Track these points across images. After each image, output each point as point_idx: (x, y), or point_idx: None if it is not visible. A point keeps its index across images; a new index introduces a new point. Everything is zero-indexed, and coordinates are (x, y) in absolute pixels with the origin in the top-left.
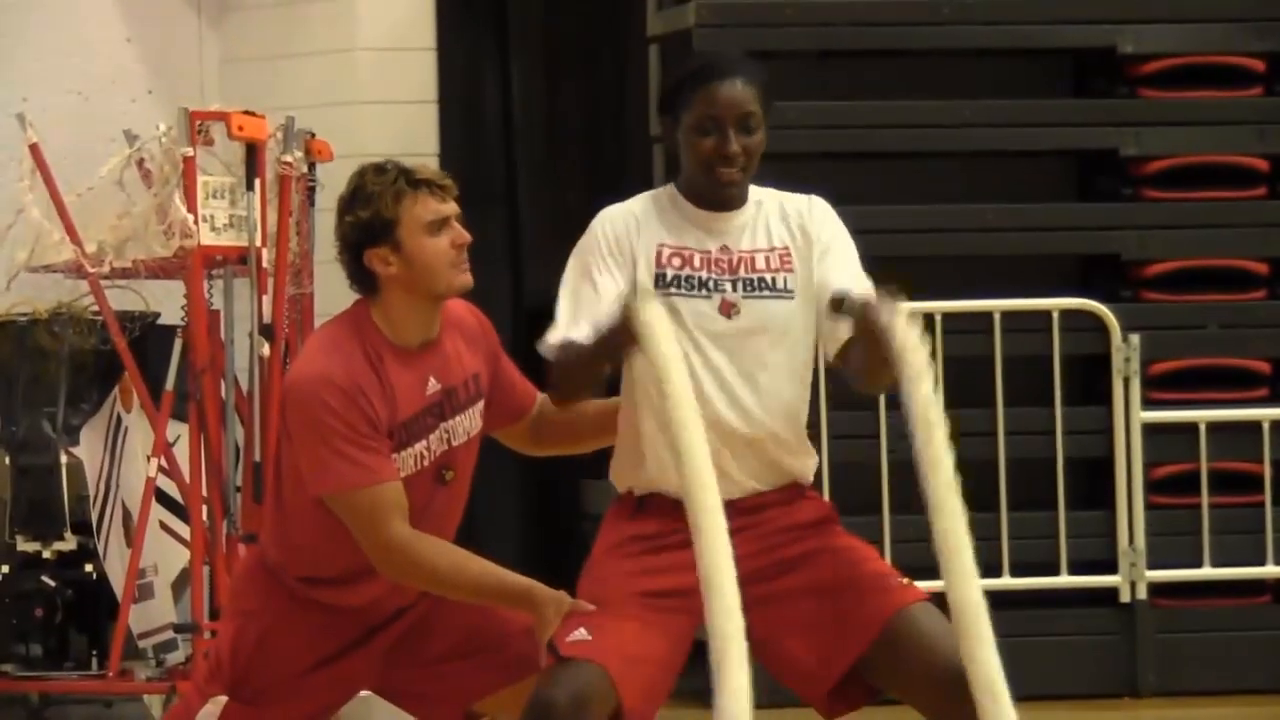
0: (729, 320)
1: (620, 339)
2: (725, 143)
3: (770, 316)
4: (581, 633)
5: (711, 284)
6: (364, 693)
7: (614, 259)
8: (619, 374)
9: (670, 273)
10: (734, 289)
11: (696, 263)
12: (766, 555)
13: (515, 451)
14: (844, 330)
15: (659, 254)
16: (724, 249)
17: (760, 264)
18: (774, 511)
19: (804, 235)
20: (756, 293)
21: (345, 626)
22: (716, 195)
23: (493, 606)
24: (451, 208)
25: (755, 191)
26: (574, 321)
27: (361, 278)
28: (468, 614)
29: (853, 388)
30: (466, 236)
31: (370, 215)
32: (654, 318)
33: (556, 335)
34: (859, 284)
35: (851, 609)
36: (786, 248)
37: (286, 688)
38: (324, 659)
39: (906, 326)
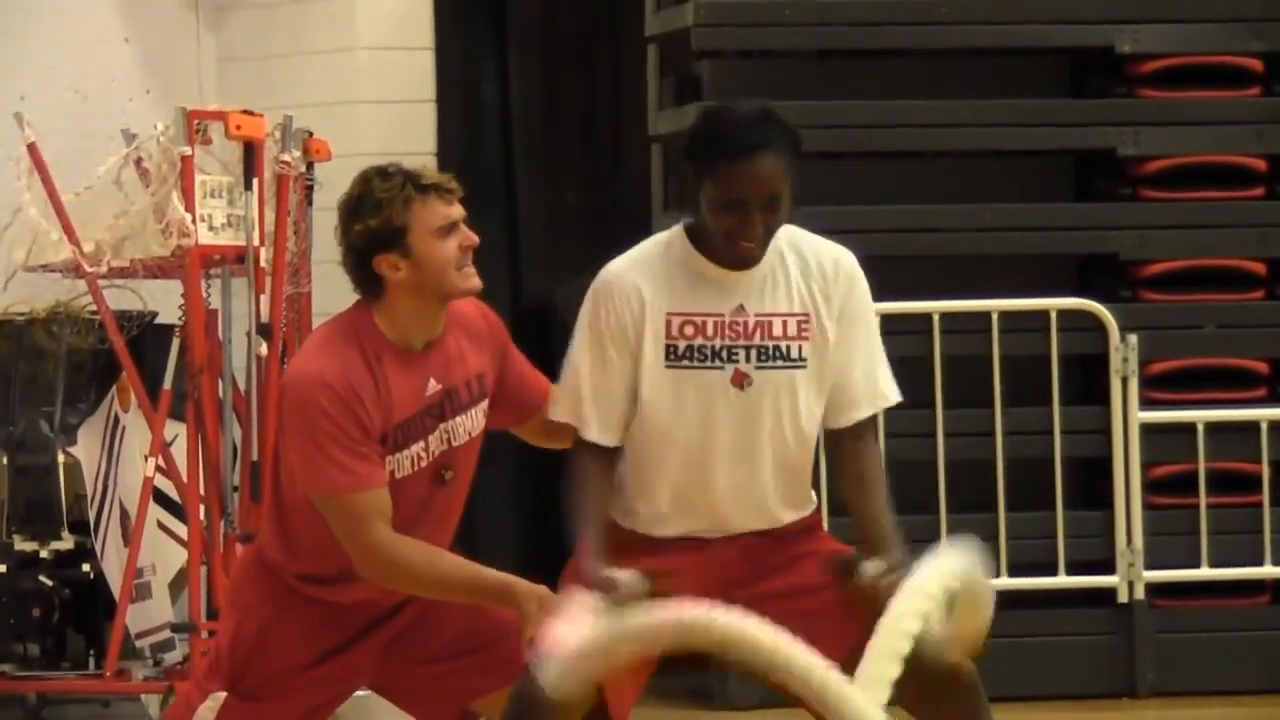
0: (742, 391)
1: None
2: (748, 225)
3: (783, 386)
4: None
5: (725, 354)
6: (362, 691)
7: (619, 341)
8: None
9: (682, 345)
10: (748, 358)
11: (710, 330)
12: (753, 560)
13: (513, 449)
14: (847, 419)
15: (668, 325)
16: (739, 309)
17: (777, 330)
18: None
19: (828, 301)
20: (771, 363)
21: (344, 621)
22: (733, 262)
23: (484, 606)
24: (458, 210)
25: (779, 234)
26: (589, 404)
27: (367, 282)
28: (465, 613)
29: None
30: (474, 239)
31: (380, 223)
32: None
33: (565, 414)
34: (875, 372)
35: (836, 608)
36: (806, 314)
37: (286, 682)
38: (323, 654)
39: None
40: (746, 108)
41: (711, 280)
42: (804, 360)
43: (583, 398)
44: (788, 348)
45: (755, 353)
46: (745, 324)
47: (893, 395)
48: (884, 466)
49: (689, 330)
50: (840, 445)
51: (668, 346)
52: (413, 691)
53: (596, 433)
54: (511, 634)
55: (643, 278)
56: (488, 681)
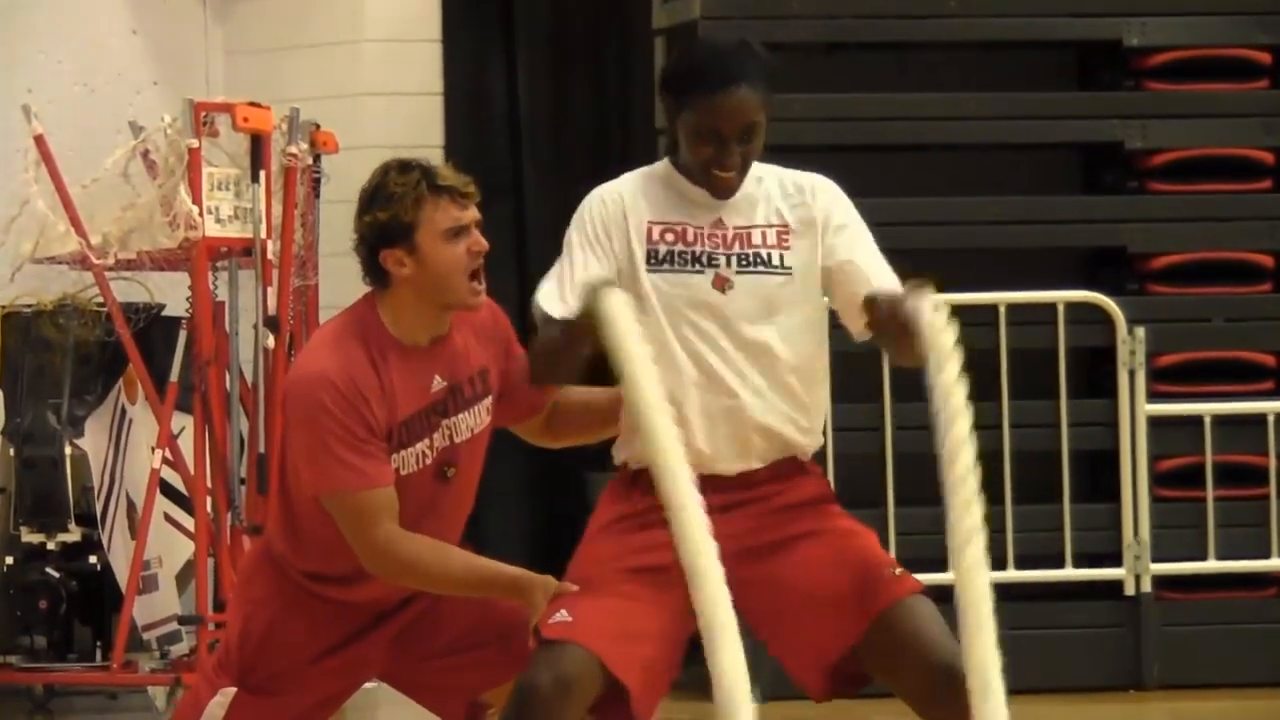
0: (723, 295)
1: (584, 329)
2: (725, 155)
3: (765, 293)
4: (563, 614)
5: (705, 258)
6: (370, 683)
7: (599, 242)
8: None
9: (663, 249)
10: (728, 264)
11: (690, 236)
12: (761, 534)
13: (520, 446)
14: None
15: (649, 231)
16: (718, 223)
17: (756, 239)
18: (770, 488)
19: (806, 213)
20: (751, 268)
21: (353, 615)
22: (710, 191)
23: (493, 599)
24: (472, 214)
25: (756, 167)
26: (558, 300)
27: (375, 273)
28: (473, 606)
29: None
30: (484, 244)
31: (390, 217)
32: (616, 308)
33: (539, 311)
34: (877, 264)
35: (845, 596)
36: (785, 225)
37: (295, 676)
38: (332, 647)
39: (934, 313)
40: (723, 40)
41: (691, 198)
42: (788, 268)
43: (562, 287)
44: (768, 255)
45: (735, 259)
46: (724, 235)
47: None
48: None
49: (669, 237)
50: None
51: (649, 250)
52: (422, 684)
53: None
54: (520, 627)
55: (626, 190)
56: (496, 675)
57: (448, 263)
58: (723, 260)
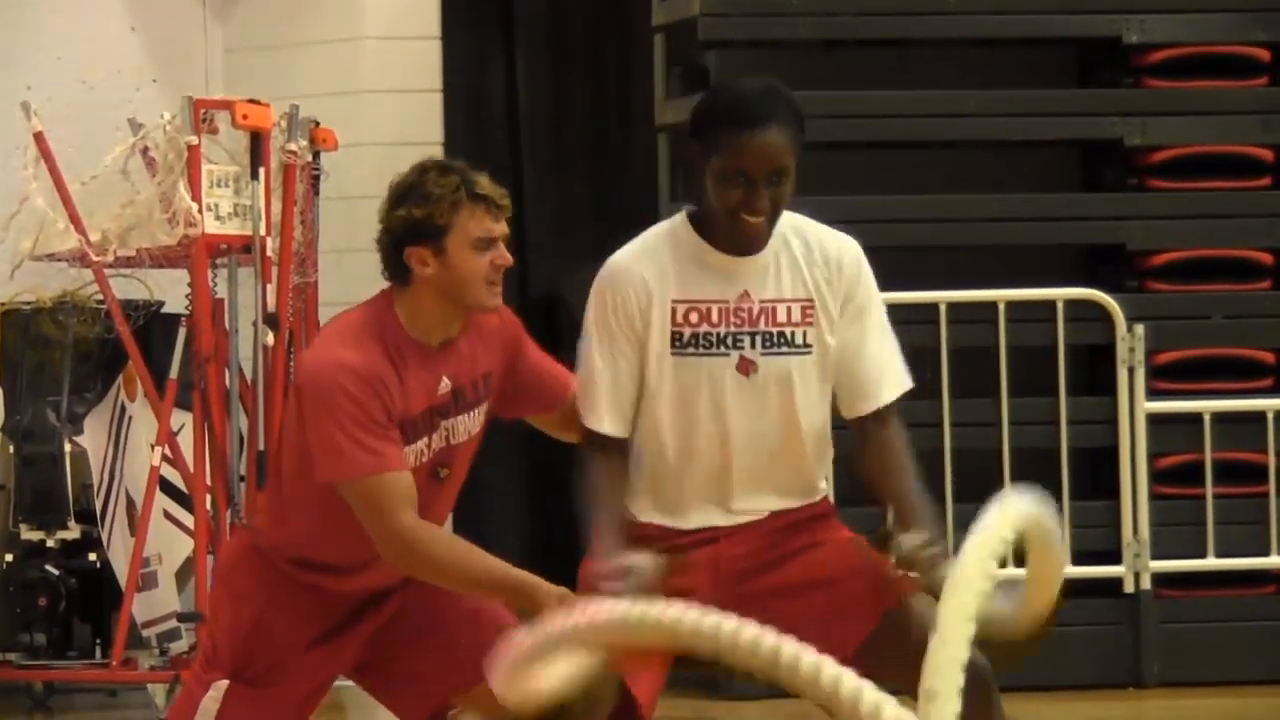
0: (746, 378)
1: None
2: (754, 198)
3: (787, 374)
4: None
5: (730, 340)
6: (347, 681)
7: (628, 332)
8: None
9: (687, 331)
10: (753, 345)
11: (714, 317)
12: (767, 551)
13: (518, 444)
14: (865, 405)
15: (674, 312)
16: (744, 295)
17: (781, 316)
18: (772, 514)
19: (831, 287)
20: (775, 349)
21: (337, 605)
22: (737, 240)
23: (472, 600)
24: (502, 228)
25: (783, 224)
26: (604, 401)
27: (395, 268)
28: (455, 606)
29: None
30: (508, 259)
31: (424, 216)
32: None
33: (584, 412)
34: (887, 357)
35: (852, 598)
36: (810, 300)
37: (286, 666)
38: (320, 635)
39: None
40: (753, 83)
41: (716, 267)
42: (809, 346)
43: (598, 394)
44: (792, 334)
45: (760, 339)
46: (750, 310)
47: (906, 381)
48: (909, 449)
49: (694, 317)
50: (864, 431)
51: (673, 334)
52: (395, 680)
53: (610, 427)
54: (484, 629)
55: (647, 267)
56: (467, 677)
57: (471, 271)
58: (747, 341)
